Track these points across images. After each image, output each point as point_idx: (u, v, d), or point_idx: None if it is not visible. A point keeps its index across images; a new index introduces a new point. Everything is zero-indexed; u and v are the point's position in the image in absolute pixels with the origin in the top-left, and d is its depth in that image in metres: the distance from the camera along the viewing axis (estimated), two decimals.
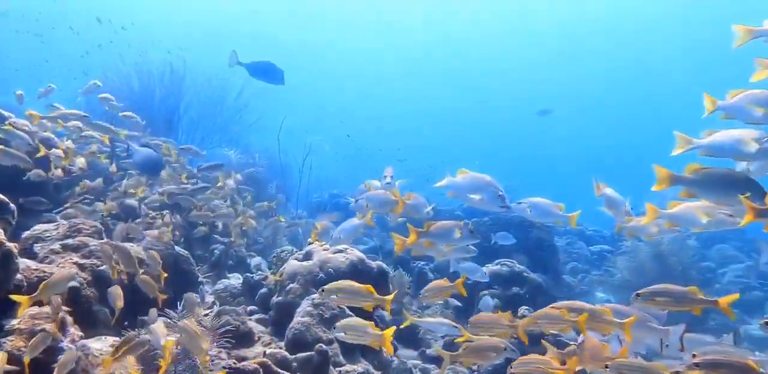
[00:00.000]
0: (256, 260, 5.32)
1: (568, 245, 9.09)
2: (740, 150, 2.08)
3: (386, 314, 5.41)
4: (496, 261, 5.57)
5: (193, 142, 8.11)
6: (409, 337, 5.66)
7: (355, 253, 4.04)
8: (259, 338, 3.71)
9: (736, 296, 2.19)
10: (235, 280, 4.69)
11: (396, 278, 6.12)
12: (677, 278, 7.45)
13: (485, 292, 5.05)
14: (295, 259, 4.12)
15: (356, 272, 3.96)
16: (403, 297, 6.10)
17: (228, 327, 3.19)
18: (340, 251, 4.04)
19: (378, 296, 2.30)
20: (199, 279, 4.19)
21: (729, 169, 2.16)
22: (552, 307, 2.43)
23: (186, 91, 8.44)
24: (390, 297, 2.33)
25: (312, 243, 4.13)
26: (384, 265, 4.15)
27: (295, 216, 8.90)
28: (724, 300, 2.11)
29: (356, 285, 2.28)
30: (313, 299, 3.66)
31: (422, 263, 6.21)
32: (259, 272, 4.54)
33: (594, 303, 8.20)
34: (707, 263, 8.39)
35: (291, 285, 3.89)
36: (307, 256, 4.13)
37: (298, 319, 3.59)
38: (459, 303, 5.56)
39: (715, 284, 8.31)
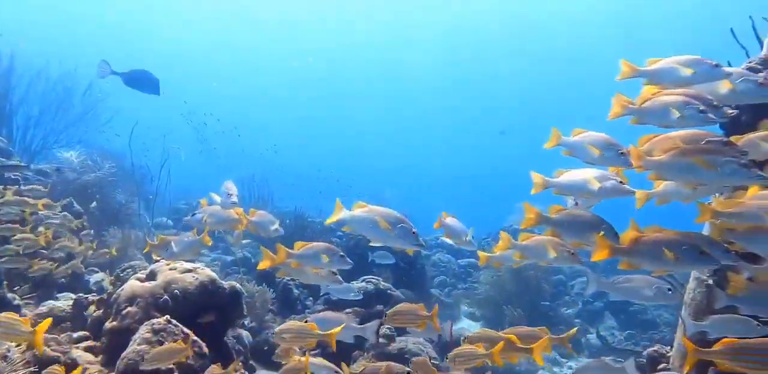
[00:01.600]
0: (97, 277, 4.73)
1: (437, 259, 9.33)
2: (586, 188, 2.25)
3: (246, 334, 5.09)
4: (362, 278, 5.49)
5: (32, 140, 7.13)
6: (268, 356, 5.39)
7: (206, 272, 3.71)
8: (85, 370, 3.25)
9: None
10: (64, 301, 4.10)
11: (258, 295, 5.81)
12: (533, 292, 7.95)
13: (348, 310, 4.93)
14: (137, 279, 3.68)
15: (206, 293, 3.63)
16: (265, 315, 5.81)
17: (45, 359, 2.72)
18: (189, 270, 3.68)
19: None
20: (15, 302, 3.58)
21: (585, 211, 2.27)
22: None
23: (18, 82, 7.41)
24: None
25: (157, 261, 3.72)
26: (237, 285, 3.85)
27: (155, 224, 8.19)
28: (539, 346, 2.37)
29: None
30: (153, 324, 3.28)
31: (288, 278, 5.95)
32: (93, 293, 4.01)
33: (459, 316, 8.39)
34: (559, 276, 9.04)
35: (129, 309, 3.45)
36: (152, 276, 3.71)
37: (134, 347, 3.18)
38: None
39: (565, 296, 8.96)
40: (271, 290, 6.03)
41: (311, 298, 6.24)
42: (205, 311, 3.64)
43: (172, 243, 2.97)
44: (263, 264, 2.86)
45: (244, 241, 7.23)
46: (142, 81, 6.17)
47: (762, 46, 2.56)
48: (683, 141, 2.07)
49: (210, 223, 3.20)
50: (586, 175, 2.21)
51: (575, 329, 2.49)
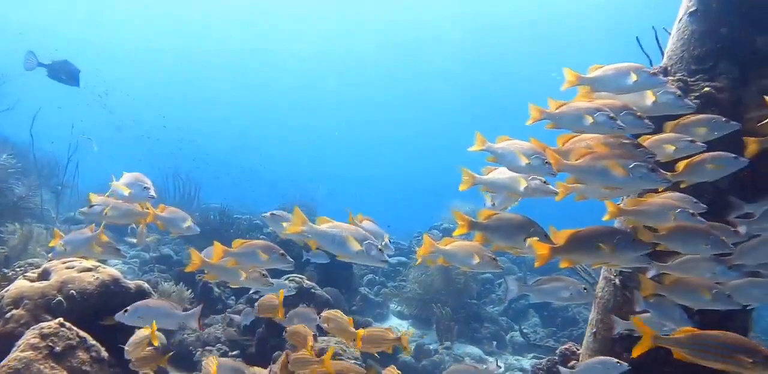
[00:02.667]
0: None
1: None
2: (512, 187, 2.29)
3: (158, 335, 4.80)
4: (285, 277, 5.32)
5: None
6: (184, 358, 5.11)
7: (108, 271, 3.43)
8: None
9: None
10: None
11: (174, 294, 5.52)
12: (461, 290, 8.04)
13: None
14: (27, 279, 3.35)
15: (108, 293, 3.36)
16: None
17: None
18: (89, 269, 3.39)
19: None
20: None
21: (513, 214, 2.27)
22: None
23: None
24: None
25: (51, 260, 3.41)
26: (145, 285, 3.59)
27: (67, 219, 7.63)
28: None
29: None
30: (42, 328, 2.98)
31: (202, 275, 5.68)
32: None
33: (388, 315, 8.33)
34: (487, 274, 9.19)
35: (14, 311, 3.13)
36: (45, 275, 3.39)
37: (17, 354, 2.88)
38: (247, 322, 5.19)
39: (491, 294, 9.12)
40: (190, 289, 5.74)
41: (233, 297, 5.99)
42: (108, 312, 3.36)
43: (61, 241, 2.69)
44: (192, 266, 2.74)
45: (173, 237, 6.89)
46: (61, 72, 6.01)
47: (663, 55, 2.64)
48: (598, 143, 2.12)
49: (111, 216, 2.93)
50: (513, 174, 2.23)
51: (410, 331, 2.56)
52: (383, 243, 2.83)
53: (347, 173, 32.75)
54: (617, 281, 2.95)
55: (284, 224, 2.63)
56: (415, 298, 8.05)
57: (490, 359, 7.40)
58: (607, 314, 3.09)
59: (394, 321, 8.16)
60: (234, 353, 5.19)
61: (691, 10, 2.47)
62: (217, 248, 2.65)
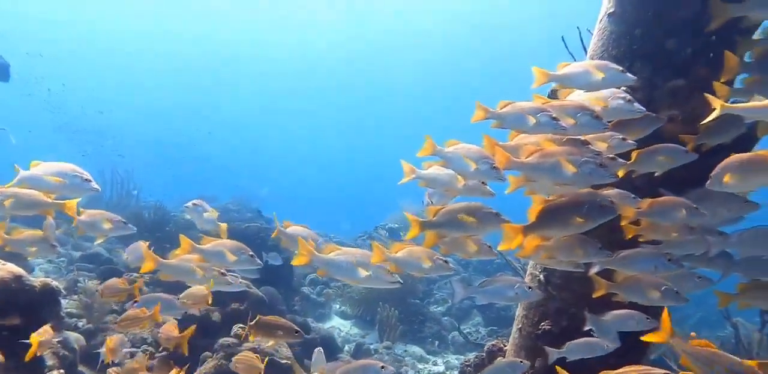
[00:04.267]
0: None
1: None
2: (450, 184, 2.29)
3: (76, 337, 4.53)
4: None
5: None
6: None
7: (8, 268, 3.19)
8: None
9: None
10: None
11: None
12: (406, 290, 8.01)
13: (203, 310, 4.56)
14: None
15: (7, 291, 3.12)
16: (105, 316, 5.24)
17: None
18: None
19: None
20: None
21: (462, 205, 2.24)
22: None
23: None
24: None
25: None
26: (53, 283, 3.36)
27: None
28: None
29: None
30: None
31: (135, 275, 5.42)
32: None
33: (330, 315, 8.21)
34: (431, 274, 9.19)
35: None
36: None
37: None
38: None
39: (436, 293, 9.15)
40: None
41: None
42: (7, 312, 3.13)
43: None
44: (147, 267, 2.64)
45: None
46: None
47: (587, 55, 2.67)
48: (546, 140, 2.14)
49: (12, 207, 2.70)
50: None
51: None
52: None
53: (293, 172, 32.56)
54: (542, 277, 2.96)
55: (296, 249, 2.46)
56: (359, 298, 7.97)
57: (432, 358, 7.41)
58: (531, 310, 3.10)
59: (336, 321, 8.05)
60: (161, 354, 4.97)
61: (609, 11, 2.49)
62: (184, 241, 2.55)
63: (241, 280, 4.97)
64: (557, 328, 2.97)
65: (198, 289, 3.07)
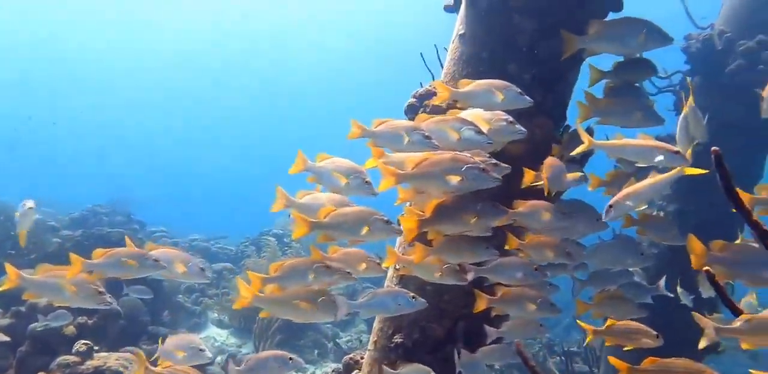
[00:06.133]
0: None
1: None
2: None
3: None
4: None
5: None
6: None
7: None
8: None
9: None
10: None
11: None
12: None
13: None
14: None
15: None
16: None
17: None
18: None
19: None
20: None
21: (353, 207, 2.20)
22: None
23: None
24: None
25: None
26: None
27: None
28: None
29: None
30: None
31: None
32: None
33: (206, 324, 7.85)
34: None
35: None
36: None
37: None
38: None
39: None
40: None
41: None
42: None
43: None
44: (9, 283, 2.15)
45: None
46: None
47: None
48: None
49: None
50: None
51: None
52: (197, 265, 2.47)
53: (177, 173, 31.36)
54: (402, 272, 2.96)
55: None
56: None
57: (310, 368, 7.28)
58: (386, 322, 3.10)
59: (212, 331, 7.69)
60: None
61: (460, 32, 2.57)
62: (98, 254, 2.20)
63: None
64: (410, 341, 2.99)
65: None
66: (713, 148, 1.16)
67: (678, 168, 1.98)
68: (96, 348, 4.18)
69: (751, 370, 1.61)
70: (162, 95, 32.87)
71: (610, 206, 2.01)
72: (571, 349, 6.36)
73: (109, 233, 6.14)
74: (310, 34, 30.92)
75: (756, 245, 1.64)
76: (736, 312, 1.59)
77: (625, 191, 2.02)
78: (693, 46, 4.28)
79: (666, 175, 1.99)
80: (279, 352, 2.41)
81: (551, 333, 7.81)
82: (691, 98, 2.61)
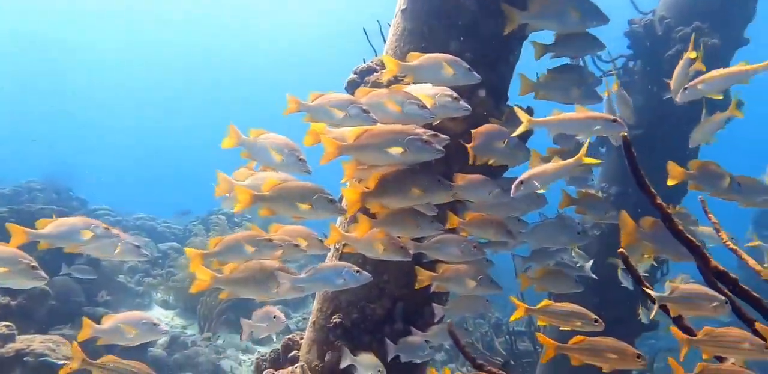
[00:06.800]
0: None
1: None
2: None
3: None
4: None
5: None
6: None
7: None
8: None
9: None
10: None
11: None
12: None
13: None
14: None
15: None
16: None
17: None
18: None
19: None
20: None
21: (295, 181, 2.14)
22: None
23: None
24: None
25: None
26: None
27: None
28: None
29: None
30: None
31: None
32: None
33: (150, 305, 7.66)
34: None
35: None
36: None
37: None
38: None
39: None
40: None
41: None
42: None
43: None
44: None
45: None
46: None
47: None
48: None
49: None
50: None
51: None
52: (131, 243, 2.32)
53: (123, 148, 30.44)
54: (342, 250, 2.92)
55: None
56: (186, 287, 7.48)
57: (258, 348, 7.23)
58: (325, 303, 3.07)
59: (157, 312, 7.51)
60: None
61: (402, 7, 2.50)
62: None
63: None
64: (348, 321, 2.97)
65: None
66: (622, 134, 1.16)
67: (579, 155, 2.04)
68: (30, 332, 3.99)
69: (669, 358, 1.66)
70: (120, 74, 31.69)
71: (521, 182, 2.04)
72: (518, 329, 6.50)
73: (41, 210, 5.81)
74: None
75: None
76: (649, 296, 1.65)
77: (534, 170, 2.07)
78: (635, 31, 4.34)
79: (569, 161, 2.06)
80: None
81: (501, 314, 7.99)
82: (616, 82, 2.66)
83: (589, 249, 3.70)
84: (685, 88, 2.29)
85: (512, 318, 2.15)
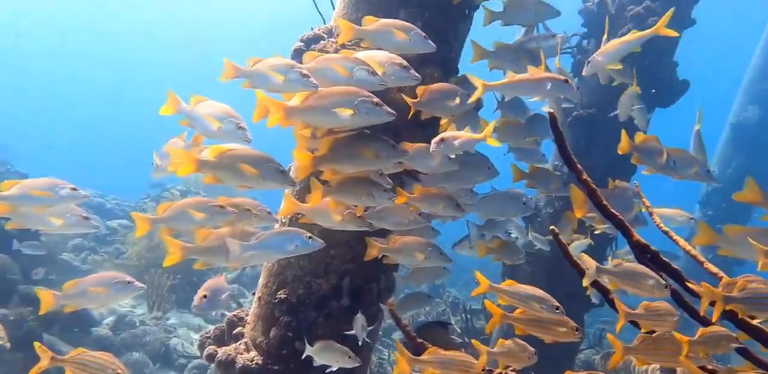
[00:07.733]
0: None
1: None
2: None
3: None
4: None
5: None
6: None
7: None
8: None
9: None
10: None
11: None
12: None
13: None
14: None
15: None
16: None
17: None
18: None
19: None
20: None
21: (246, 149, 2.04)
22: None
23: None
24: None
25: None
26: None
27: None
28: None
29: None
30: None
31: None
32: None
33: None
34: None
35: None
36: None
37: None
38: None
39: None
40: None
41: None
42: None
43: None
44: None
45: None
46: None
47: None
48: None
49: None
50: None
51: None
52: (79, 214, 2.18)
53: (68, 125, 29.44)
54: (285, 221, 2.87)
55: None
56: (135, 265, 7.26)
57: (212, 327, 7.13)
58: (271, 278, 3.00)
59: None
60: None
61: None
62: None
63: None
64: (294, 297, 2.92)
65: None
66: (548, 110, 1.14)
67: (488, 129, 2.10)
68: None
69: (608, 334, 1.68)
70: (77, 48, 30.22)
71: (442, 140, 2.07)
72: (474, 307, 6.59)
73: None
74: None
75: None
76: (580, 271, 1.67)
77: (454, 133, 2.10)
78: (588, 9, 4.35)
79: (478, 135, 2.11)
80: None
81: (458, 292, 8.10)
82: (557, 61, 2.66)
83: (543, 227, 3.76)
84: (588, 62, 2.31)
85: (474, 293, 2.12)
